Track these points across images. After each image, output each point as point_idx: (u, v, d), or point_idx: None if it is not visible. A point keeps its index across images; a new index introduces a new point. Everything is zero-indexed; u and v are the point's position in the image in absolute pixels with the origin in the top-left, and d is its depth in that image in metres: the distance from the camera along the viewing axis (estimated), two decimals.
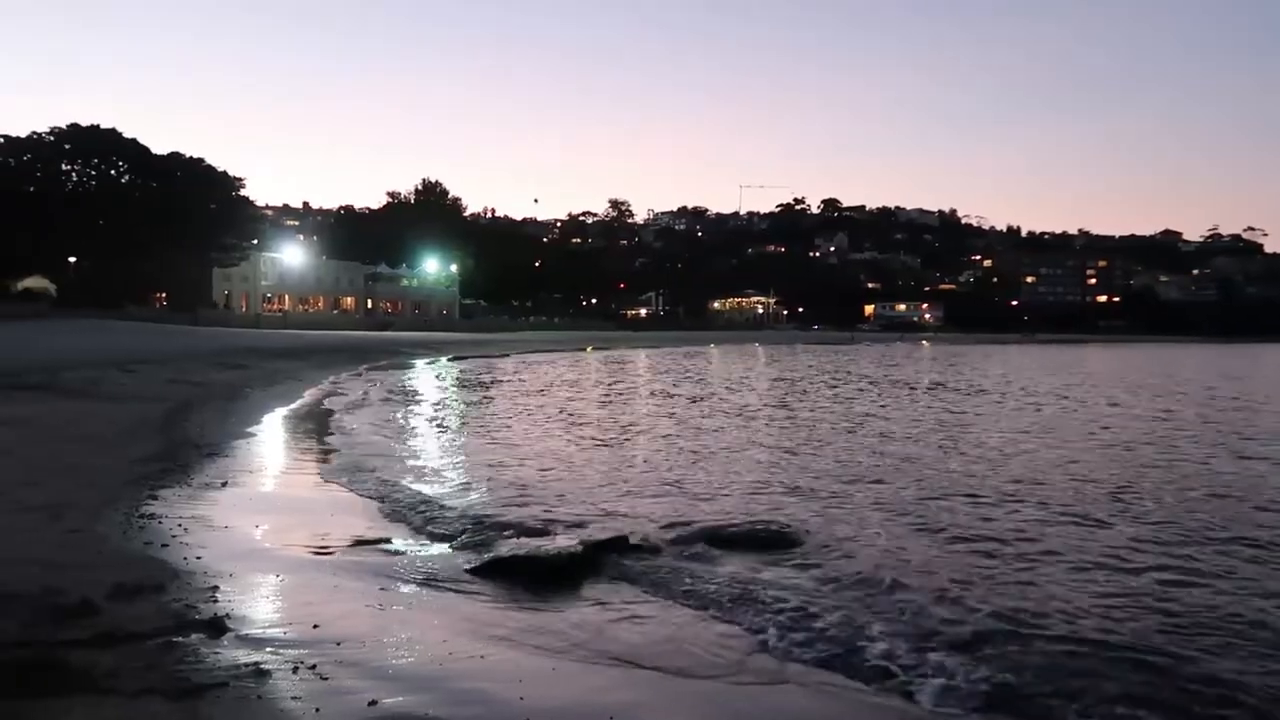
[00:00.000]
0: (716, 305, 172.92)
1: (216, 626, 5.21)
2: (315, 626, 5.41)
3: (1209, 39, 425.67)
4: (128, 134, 76.96)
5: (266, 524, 8.20)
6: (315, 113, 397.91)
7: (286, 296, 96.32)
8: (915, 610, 6.08)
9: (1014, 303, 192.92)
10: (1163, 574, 7.09)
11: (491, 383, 31.41)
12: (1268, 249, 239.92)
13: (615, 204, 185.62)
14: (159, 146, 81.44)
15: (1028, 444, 15.33)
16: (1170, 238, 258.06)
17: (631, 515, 9.11)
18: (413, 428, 16.88)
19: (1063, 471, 12.26)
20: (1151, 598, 6.47)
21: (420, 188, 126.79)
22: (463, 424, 18.01)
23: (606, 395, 26.44)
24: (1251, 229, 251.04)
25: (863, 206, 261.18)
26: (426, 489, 10.43)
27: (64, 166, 75.79)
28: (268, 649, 4.97)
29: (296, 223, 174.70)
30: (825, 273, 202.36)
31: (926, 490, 10.74)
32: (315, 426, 16.19)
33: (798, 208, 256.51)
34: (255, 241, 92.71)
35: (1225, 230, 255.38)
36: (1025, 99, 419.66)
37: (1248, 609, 6.23)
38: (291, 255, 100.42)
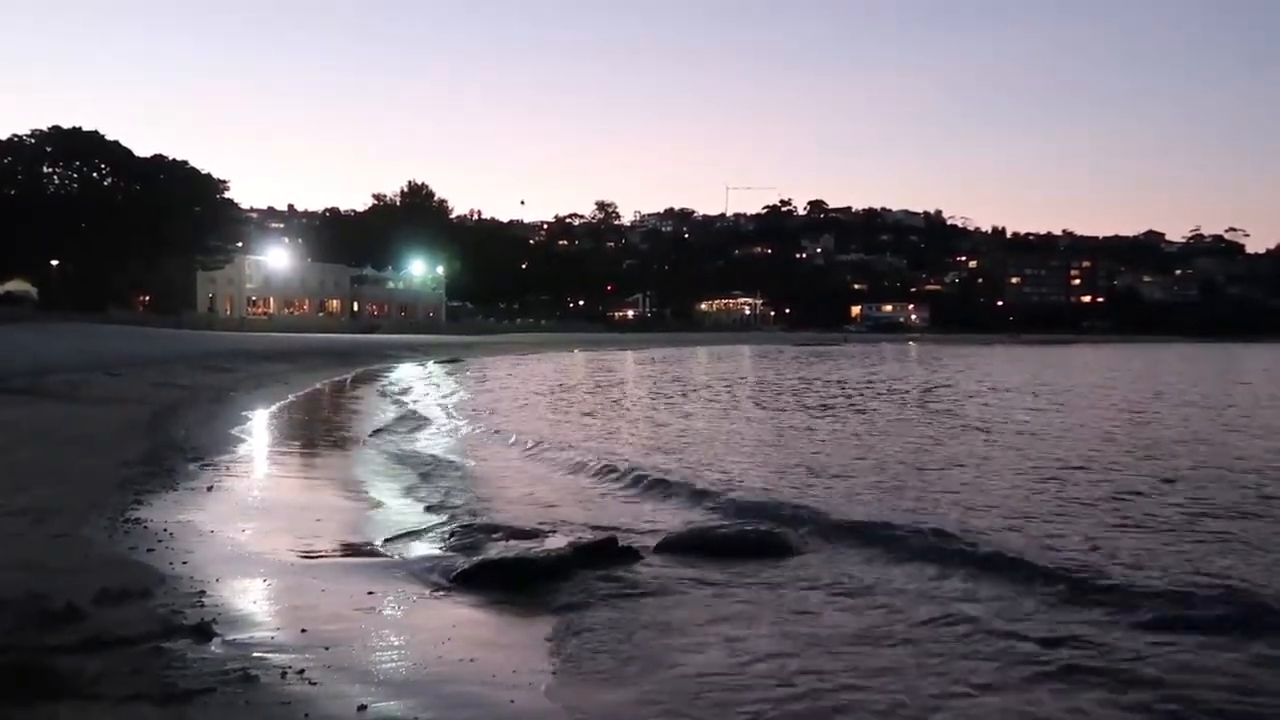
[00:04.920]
0: (704, 306, 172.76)
1: (203, 631, 5.18)
2: (303, 631, 5.39)
3: (1192, 42, 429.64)
4: (110, 136, 76.45)
5: (253, 528, 8.17)
6: (300, 115, 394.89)
7: (271, 299, 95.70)
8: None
9: (999, 303, 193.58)
10: None
11: (479, 384, 31.34)
12: (1249, 249, 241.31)
13: (602, 206, 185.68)
14: (142, 149, 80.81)
15: None
16: (1153, 238, 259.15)
17: (620, 517, 9.11)
18: (400, 431, 16.82)
19: None
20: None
21: (406, 189, 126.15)
22: (451, 425, 17.95)
23: (595, 396, 26.41)
24: (1233, 230, 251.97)
25: (849, 208, 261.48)
26: (414, 492, 10.41)
27: (46, 169, 75.03)
28: (255, 654, 4.94)
29: (281, 225, 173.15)
30: (812, 274, 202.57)
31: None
32: (302, 430, 16.14)
33: (784, 209, 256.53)
34: (240, 244, 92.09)
35: (1207, 231, 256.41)
36: (1010, 101, 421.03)
37: None
38: (276, 258, 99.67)
